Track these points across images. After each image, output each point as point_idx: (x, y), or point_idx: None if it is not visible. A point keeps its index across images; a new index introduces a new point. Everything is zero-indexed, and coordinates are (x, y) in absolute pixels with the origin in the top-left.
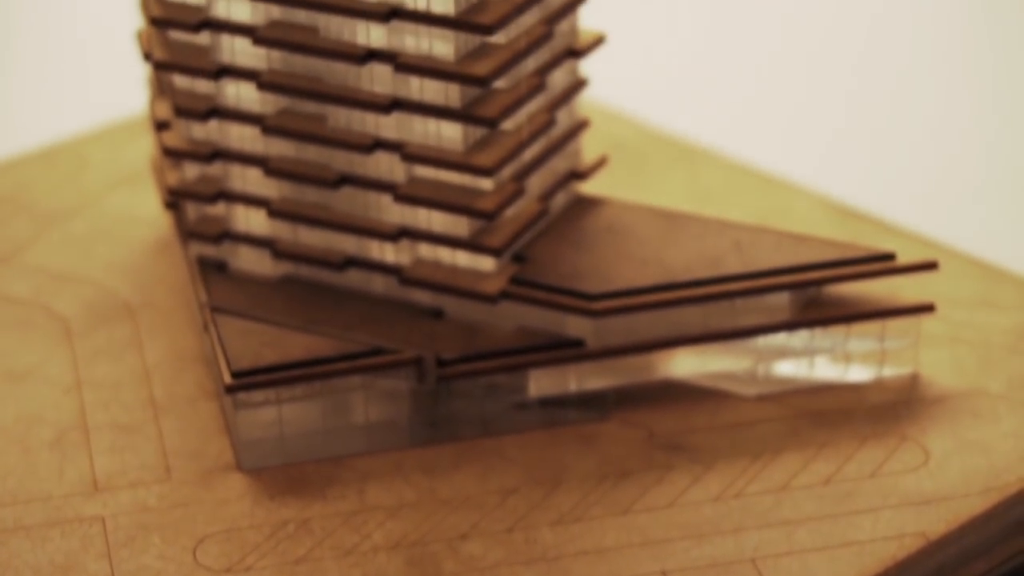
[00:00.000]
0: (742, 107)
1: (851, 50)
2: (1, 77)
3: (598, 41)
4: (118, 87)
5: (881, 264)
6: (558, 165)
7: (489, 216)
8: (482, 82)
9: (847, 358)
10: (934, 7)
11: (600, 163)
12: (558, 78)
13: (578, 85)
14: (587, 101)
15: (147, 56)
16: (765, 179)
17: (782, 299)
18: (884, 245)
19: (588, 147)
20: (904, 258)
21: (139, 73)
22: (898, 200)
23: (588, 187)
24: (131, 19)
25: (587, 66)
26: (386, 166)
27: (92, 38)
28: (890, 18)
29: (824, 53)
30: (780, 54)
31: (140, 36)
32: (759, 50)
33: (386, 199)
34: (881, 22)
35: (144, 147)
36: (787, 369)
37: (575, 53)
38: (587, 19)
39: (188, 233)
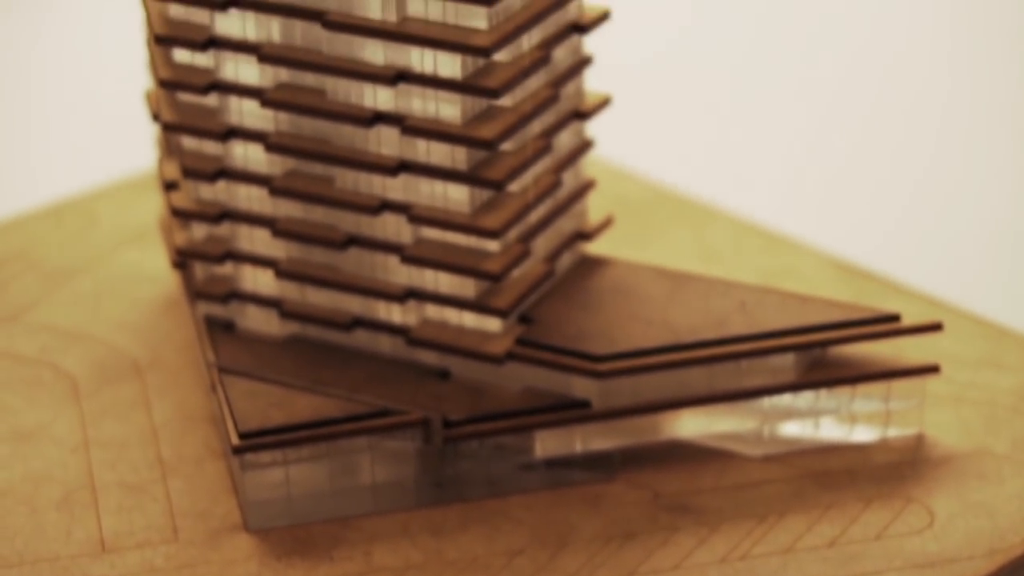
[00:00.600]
0: (748, 164)
1: (857, 109)
2: (9, 134)
3: (604, 103)
4: (127, 143)
5: (886, 325)
6: (564, 226)
7: (495, 278)
8: (489, 145)
9: (852, 419)
10: (942, 67)
11: (606, 224)
12: (564, 140)
13: (584, 147)
14: (592, 158)
15: (155, 117)
16: (771, 237)
17: (787, 360)
18: (889, 304)
19: (594, 204)
20: (909, 318)
21: (148, 130)
22: (904, 258)
23: (594, 245)
24: (140, 77)
25: (593, 126)
26: (393, 227)
27: (100, 95)
28: (897, 78)
29: (830, 112)
30: (786, 113)
31: (149, 97)
32: (765, 109)
33: (393, 260)
34: (888, 81)
35: (153, 204)
36: (792, 430)
37: (581, 115)
38: (592, 81)
39: (196, 293)
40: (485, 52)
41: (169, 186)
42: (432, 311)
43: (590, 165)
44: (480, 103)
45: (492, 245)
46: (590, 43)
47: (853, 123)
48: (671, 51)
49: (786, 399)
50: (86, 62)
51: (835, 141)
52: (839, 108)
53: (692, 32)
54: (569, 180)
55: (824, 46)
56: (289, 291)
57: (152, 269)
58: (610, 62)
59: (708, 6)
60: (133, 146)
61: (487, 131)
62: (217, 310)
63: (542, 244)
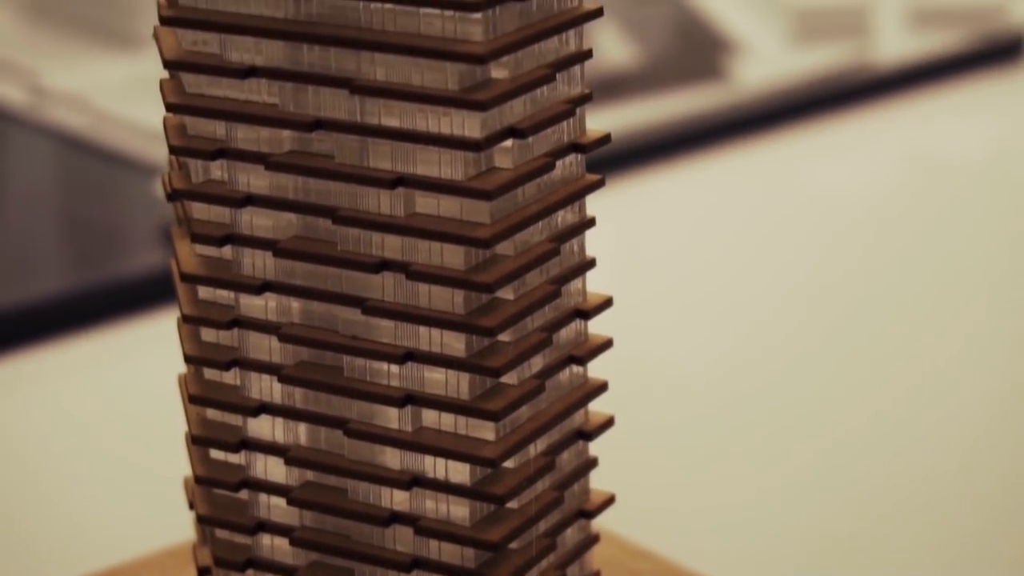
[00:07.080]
0: (758, 544)
1: (860, 495)
2: (54, 506)
3: (608, 502)
4: (170, 514)
5: None
6: None
7: None
8: (494, 547)
9: None
10: (951, 450)
11: None
12: (570, 536)
13: (589, 542)
14: (606, 537)
15: (192, 505)
16: None
17: None
18: None
19: None
20: None
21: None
22: None
23: None
24: (182, 450)
25: (605, 513)
26: None
27: (144, 466)
28: (897, 462)
29: (835, 497)
30: (795, 497)
31: (186, 486)
32: (775, 494)
33: None
34: (886, 470)
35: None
36: None
37: (586, 514)
38: (597, 481)
39: None
40: (491, 463)
41: (202, 572)
42: None
43: (607, 541)
44: (488, 505)
45: None
46: (594, 447)
47: (857, 507)
48: (679, 445)
49: None
50: (130, 435)
51: (840, 524)
52: (843, 495)
53: (700, 426)
54: (575, 572)
55: (826, 432)
56: None
57: None
58: (618, 457)
59: (713, 402)
60: (175, 516)
61: (494, 534)
62: None
63: None
